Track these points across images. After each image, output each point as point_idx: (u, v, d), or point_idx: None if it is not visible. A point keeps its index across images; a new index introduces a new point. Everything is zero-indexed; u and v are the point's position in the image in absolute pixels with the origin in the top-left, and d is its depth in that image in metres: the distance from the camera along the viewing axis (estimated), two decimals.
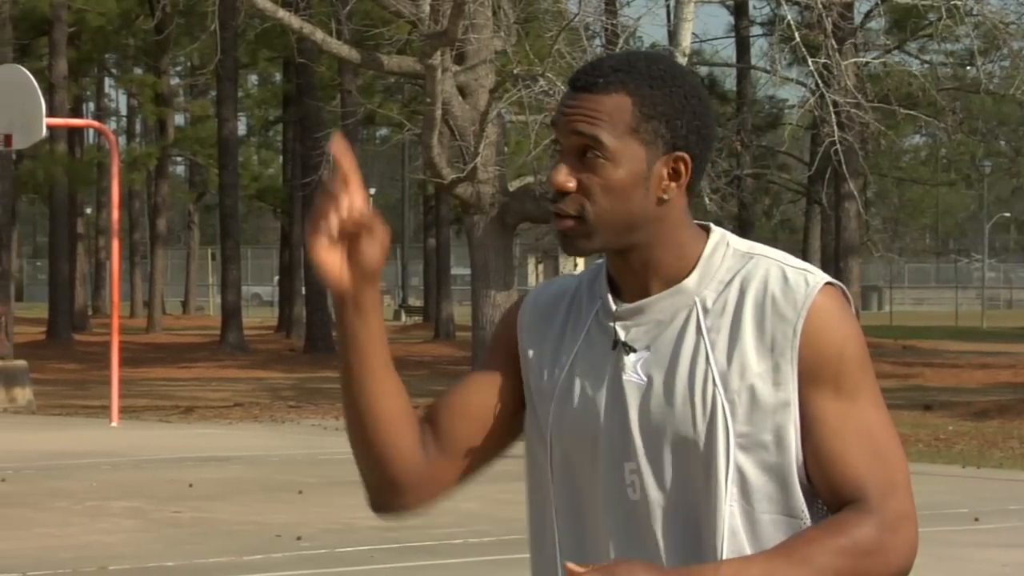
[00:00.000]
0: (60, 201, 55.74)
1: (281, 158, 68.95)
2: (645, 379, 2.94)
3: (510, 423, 3.08)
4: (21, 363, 32.10)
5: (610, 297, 3.00)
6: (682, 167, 2.95)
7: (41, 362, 38.44)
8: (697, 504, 2.91)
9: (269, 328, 62.84)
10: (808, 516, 2.92)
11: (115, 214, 31.97)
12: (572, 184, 2.92)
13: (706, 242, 2.99)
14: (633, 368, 2.95)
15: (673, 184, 2.95)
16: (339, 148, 2.88)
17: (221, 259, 55.77)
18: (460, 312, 59.18)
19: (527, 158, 28.59)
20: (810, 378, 2.89)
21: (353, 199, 2.87)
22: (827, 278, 2.93)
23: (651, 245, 2.96)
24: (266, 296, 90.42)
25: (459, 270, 70.12)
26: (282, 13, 27.83)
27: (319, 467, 20.73)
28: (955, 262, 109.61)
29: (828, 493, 2.92)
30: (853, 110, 28.67)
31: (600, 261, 3.09)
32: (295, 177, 54.32)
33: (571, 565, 2.80)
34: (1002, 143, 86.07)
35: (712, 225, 3.02)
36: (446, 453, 3.06)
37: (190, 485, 18.73)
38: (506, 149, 29.12)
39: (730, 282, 2.94)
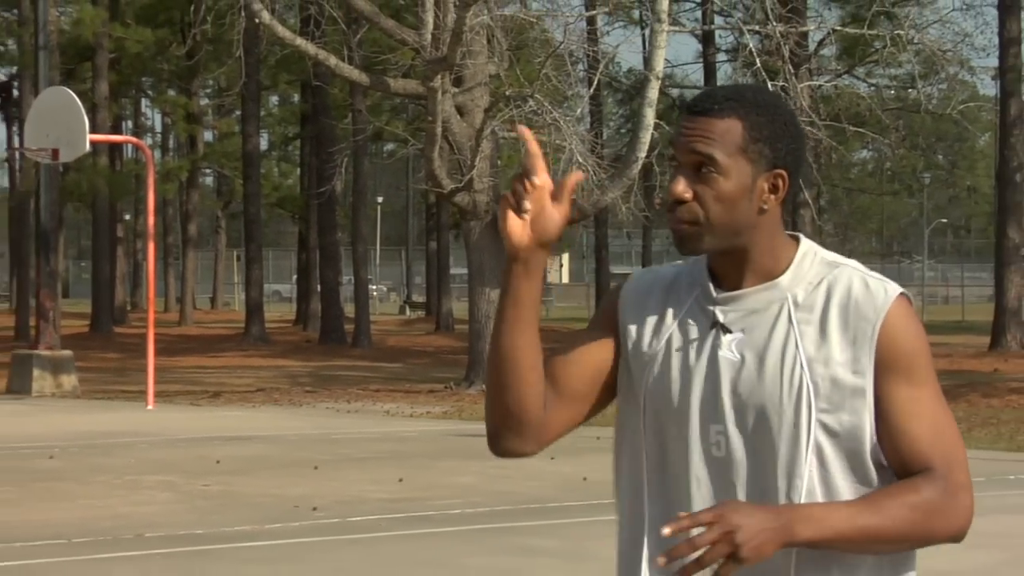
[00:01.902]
0: (102, 208, 55.73)
1: (298, 170, 68.81)
2: (739, 357, 3.07)
3: (613, 381, 3.20)
4: (67, 353, 32.06)
5: (711, 285, 3.13)
6: (780, 183, 3.10)
7: (85, 352, 38.38)
8: (776, 466, 3.03)
9: (288, 322, 62.73)
10: (877, 484, 3.06)
11: (151, 220, 31.93)
12: (689, 194, 3.06)
13: (797, 248, 3.14)
14: (728, 347, 3.08)
15: (772, 197, 3.11)
16: (527, 133, 3.08)
17: (245, 260, 55.71)
18: (458, 307, 59.10)
19: (518, 170, 28.51)
20: (886, 368, 3.04)
21: (541, 175, 3.03)
22: (901, 289, 3.09)
23: (750, 248, 3.11)
24: (285, 293, 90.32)
25: (457, 270, 69.98)
26: (300, 41, 27.82)
27: (333, 445, 20.73)
28: (898, 263, 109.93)
29: (898, 464, 3.06)
30: (808, 127, 28.66)
31: (701, 256, 3.22)
32: (311, 187, 54.20)
33: (682, 515, 2.90)
34: (940, 157, 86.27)
35: (802, 236, 3.17)
36: (562, 401, 3.18)
37: (217, 461, 18.71)
38: (499, 162, 29.10)
39: (819, 284, 3.10)
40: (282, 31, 27.91)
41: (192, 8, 50.89)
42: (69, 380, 31.04)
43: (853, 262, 3.13)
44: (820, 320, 3.05)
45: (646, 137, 26.21)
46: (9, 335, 51.36)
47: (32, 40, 37.73)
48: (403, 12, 33.49)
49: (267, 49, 48.21)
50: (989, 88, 55.97)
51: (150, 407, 27.08)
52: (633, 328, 3.18)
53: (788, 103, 3.05)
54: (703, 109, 3.07)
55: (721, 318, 3.09)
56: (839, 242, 67.22)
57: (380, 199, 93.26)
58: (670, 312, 3.16)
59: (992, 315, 44.72)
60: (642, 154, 26.30)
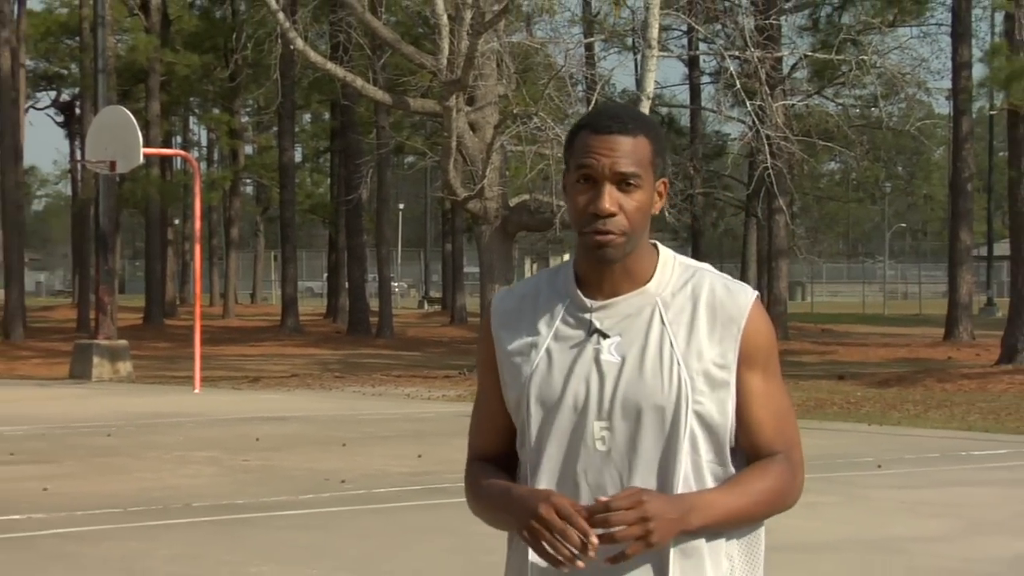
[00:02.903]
0: (154, 214, 55.75)
1: (329, 180, 68.87)
2: (619, 358, 3.02)
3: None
4: (123, 342, 32.07)
5: (580, 294, 3.07)
6: (663, 189, 3.09)
7: (139, 341, 38.41)
8: (657, 455, 2.99)
9: (319, 315, 62.78)
10: (732, 466, 3.06)
11: (197, 224, 31.95)
12: (615, 208, 3.00)
13: (657, 255, 3.09)
14: (608, 350, 3.03)
15: (660, 203, 3.09)
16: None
17: (281, 260, 55.77)
18: (471, 302, 59.21)
19: (524, 180, 28.53)
20: (748, 363, 3.04)
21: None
22: (756, 292, 3.09)
23: (636, 252, 3.06)
24: (317, 289, 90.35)
25: (470, 268, 69.90)
26: (330, 65, 27.81)
27: (359, 425, 20.74)
28: (862, 263, 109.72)
29: (748, 446, 3.07)
30: (782, 142, 28.64)
31: (556, 266, 3.18)
32: (340, 195, 54.22)
33: (601, 498, 2.93)
34: (899, 168, 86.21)
35: (659, 243, 3.13)
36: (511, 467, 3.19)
37: (257, 439, 18.72)
38: (507, 173, 29.07)
39: (683, 287, 3.06)
40: (314, 56, 27.89)
41: (234, 36, 51.11)
42: (125, 367, 31.07)
43: (706, 265, 3.11)
44: (690, 320, 3.02)
45: None
46: (71, 326, 51.44)
47: (92, 64, 37.70)
48: (422, 39, 33.46)
49: (301, 72, 48.22)
50: (943, 107, 56.00)
51: (197, 391, 27.10)
52: (511, 345, 3.11)
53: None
54: (617, 129, 3.01)
55: (598, 324, 3.03)
56: (810, 244, 67.03)
57: (401, 206, 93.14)
58: (543, 323, 3.09)
59: (946, 309, 44.73)
60: None
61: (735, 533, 3.05)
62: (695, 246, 58.25)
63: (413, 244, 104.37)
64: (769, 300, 46.49)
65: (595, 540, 2.88)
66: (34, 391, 27.63)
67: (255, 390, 27.99)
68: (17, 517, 12.55)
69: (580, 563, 2.89)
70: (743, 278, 58.76)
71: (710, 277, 3.06)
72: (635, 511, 2.87)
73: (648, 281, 3.06)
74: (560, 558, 2.90)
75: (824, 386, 28.14)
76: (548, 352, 3.06)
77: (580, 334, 3.04)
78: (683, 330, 3.01)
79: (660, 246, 3.10)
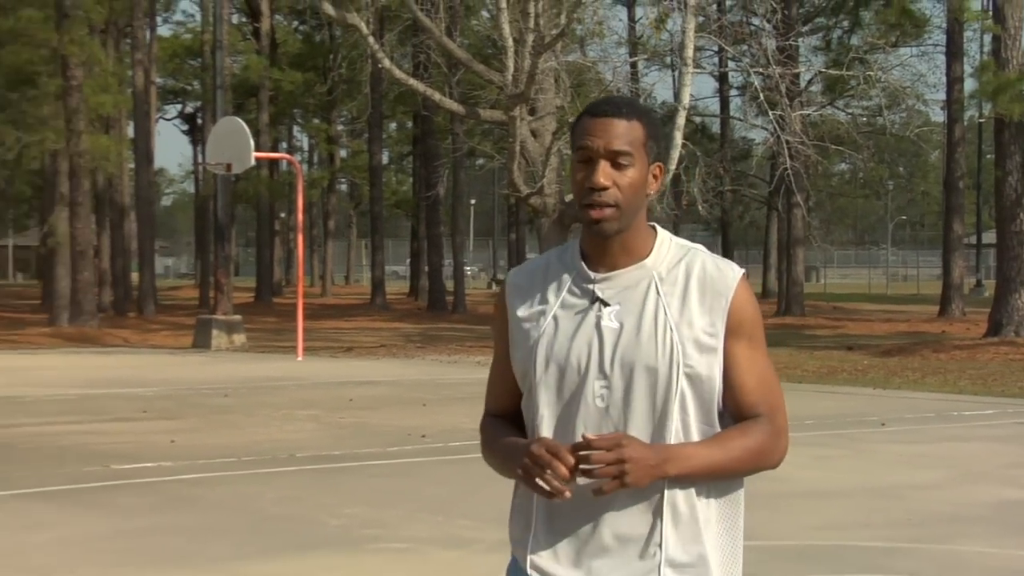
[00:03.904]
0: (263, 208, 56.06)
1: (411, 179, 68.93)
2: (618, 324, 2.96)
3: None
4: (237, 317, 32.28)
5: (585, 267, 3.01)
6: (658, 172, 3.01)
7: (250, 316, 38.64)
8: (650, 411, 2.93)
9: (403, 294, 62.96)
10: (718, 426, 2.98)
11: (300, 217, 32.10)
12: (609, 182, 2.93)
13: (655, 235, 3.03)
14: (609, 317, 2.97)
15: (655, 185, 3.01)
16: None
17: (371, 247, 55.88)
18: None
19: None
20: (731, 333, 2.96)
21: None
22: (743, 270, 3.02)
23: (633, 229, 2.99)
24: (401, 272, 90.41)
25: (531, 255, 69.99)
26: (412, 81, 27.81)
27: (437, 389, 20.79)
28: (868, 250, 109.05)
29: (734, 409, 2.99)
30: (799, 146, 28.49)
31: (565, 244, 3.11)
32: (421, 192, 54.31)
33: (588, 434, 2.87)
34: (900, 169, 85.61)
35: (657, 225, 3.07)
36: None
37: (350, 400, 18.81)
38: (563, 173, 29.01)
39: (678, 263, 2.99)
40: (399, 74, 27.90)
41: (331, 57, 51.25)
42: (239, 338, 31.27)
43: (700, 246, 3.05)
44: (682, 293, 2.95)
45: (676, 154, 26.08)
46: (194, 304, 51.83)
47: (212, 81, 37.88)
48: (491, 59, 33.42)
49: (387, 87, 48.27)
50: (938, 116, 55.41)
51: (299, 358, 27.24)
52: (521, 310, 3.05)
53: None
54: (612, 112, 2.95)
55: (600, 294, 2.97)
56: (823, 233, 66.64)
57: (473, 201, 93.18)
58: (551, 293, 3.03)
59: (940, 290, 44.54)
60: (672, 166, 26.18)
61: (716, 491, 2.97)
62: (724, 235, 58.09)
63: (483, 234, 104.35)
64: (788, 282, 46.37)
65: (570, 462, 2.84)
66: (163, 358, 27.86)
67: (349, 358, 28.11)
68: (149, 465, 12.66)
69: (567, 493, 2.85)
70: (765, 263, 58.58)
71: (702, 256, 3.00)
72: (613, 453, 2.81)
73: (646, 257, 2.99)
74: (548, 488, 2.85)
75: (835, 355, 28.05)
76: (555, 318, 3.00)
77: (584, 303, 2.99)
78: (676, 301, 2.95)
79: (658, 227, 3.04)
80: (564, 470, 2.84)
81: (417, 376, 23.24)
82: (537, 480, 2.87)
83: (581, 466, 2.85)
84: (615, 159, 2.93)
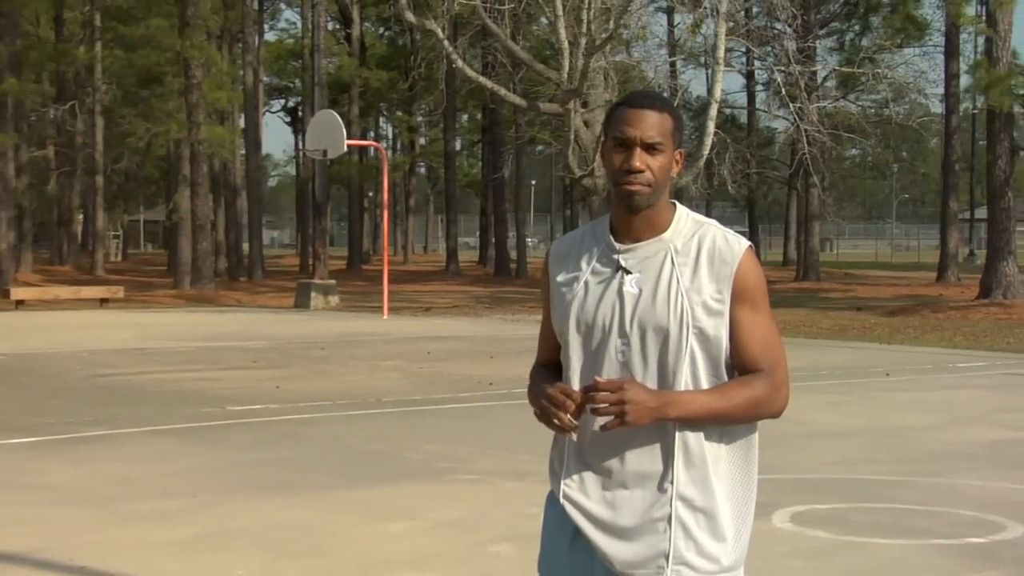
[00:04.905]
0: (354, 188, 56.25)
1: (480, 163, 68.93)
2: (638, 290, 2.96)
3: None
4: (332, 281, 32.46)
5: (612, 239, 3.01)
6: (679, 158, 3.01)
7: (343, 281, 38.84)
8: (662, 368, 2.93)
9: (473, 262, 62.98)
10: (726, 379, 2.96)
11: (385, 196, 32.17)
12: (644, 166, 2.94)
13: (675, 211, 3.02)
14: (630, 283, 2.96)
15: (677, 168, 3.00)
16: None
17: (445, 221, 55.96)
18: None
19: None
20: (736, 298, 2.94)
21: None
22: (749, 242, 2.99)
23: (658, 207, 2.98)
24: (472, 243, 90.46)
25: None
26: (481, 78, 27.78)
27: (503, 343, 20.83)
28: (875, 224, 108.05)
29: (739, 365, 2.97)
30: (816, 134, 28.25)
31: (598, 219, 3.10)
32: (488, 174, 54.30)
33: (597, 378, 2.90)
34: (904, 154, 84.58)
35: (677, 202, 3.05)
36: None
37: (428, 352, 18.87)
38: None
39: (692, 237, 2.98)
40: (470, 72, 27.84)
41: (412, 57, 51.14)
42: (333, 299, 31.45)
43: (713, 221, 3.02)
44: (694, 263, 2.94)
45: (708, 141, 25.92)
46: (295, 270, 52.13)
47: (310, 80, 38.00)
48: (549, 59, 33.27)
49: (460, 84, 48.20)
50: (937, 108, 54.67)
51: (385, 317, 27.36)
52: (560, 276, 3.06)
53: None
54: (647, 105, 2.96)
55: (623, 263, 2.97)
56: (836, 210, 66.01)
57: (533, 182, 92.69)
58: (584, 261, 3.03)
59: (938, 259, 44.21)
60: (706, 151, 26.02)
61: (727, 436, 2.95)
62: (750, 212, 57.70)
63: (542, 210, 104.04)
64: (805, 251, 46.07)
65: (577, 401, 2.87)
66: (269, 316, 28.05)
67: (427, 317, 28.21)
68: (258, 407, 12.76)
69: (574, 432, 2.91)
70: (786, 236, 58.15)
71: (714, 230, 2.97)
72: (616, 395, 2.82)
73: (665, 231, 2.98)
74: (559, 423, 2.88)
75: (846, 315, 27.85)
76: (586, 284, 3.01)
77: (610, 271, 2.99)
78: (688, 270, 2.93)
79: (678, 204, 3.03)
80: (572, 406, 2.86)
81: (485, 332, 23.29)
82: (551, 418, 2.90)
83: (588, 406, 2.86)
84: (649, 146, 2.94)
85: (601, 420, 2.88)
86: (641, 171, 2.93)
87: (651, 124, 2.94)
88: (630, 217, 2.98)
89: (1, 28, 37.33)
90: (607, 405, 2.83)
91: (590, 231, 3.08)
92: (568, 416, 2.88)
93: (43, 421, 11.75)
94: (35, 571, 6.46)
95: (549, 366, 3.16)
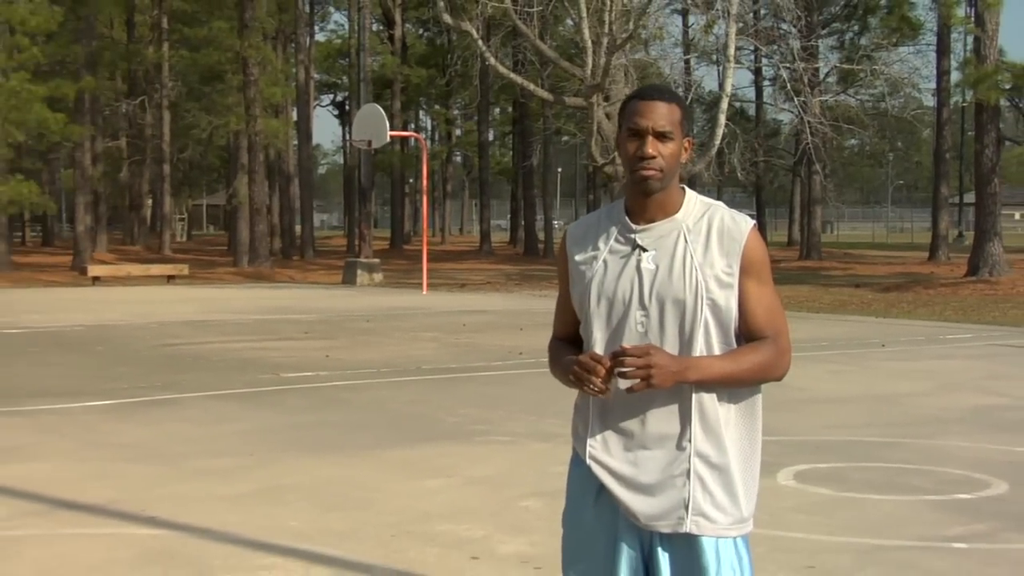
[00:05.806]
0: (396, 175, 56.22)
1: (511, 152, 68.81)
2: (655, 266, 2.95)
3: None
4: (376, 260, 32.50)
5: (628, 220, 3.00)
6: (687, 145, 2.99)
7: (386, 259, 38.92)
8: (680, 337, 2.92)
9: (504, 242, 62.94)
10: (735, 345, 2.96)
11: (424, 182, 32.17)
12: (656, 153, 2.93)
13: (685, 194, 3.01)
14: (647, 260, 2.95)
15: (685, 155, 2.99)
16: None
17: (480, 206, 55.97)
18: None
19: None
20: (744, 272, 2.93)
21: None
22: (754, 221, 2.98)
23: (669, 190, 2.98)
24: (504, 225, 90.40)
25: None
26: (512, 75, 27.74)
27: (531, 316, 20.83)
28: (873, 207, 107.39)
29: (746, 333, 2.96)
30: (818, 126, 28.09)
31: (612, 203, 3.10)
32: (518, 163, 54.16)
33: (624, 344, 2.89)
34: (899, 144, 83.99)
35: (686, 187, 3.04)
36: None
37: (464, 324, 18.89)
38: None
39: (702, 217, 2.97)
40: (502, 69, 27.78)
41: (449, 56, 51.06)
42: (377, 276, 31.50)
43: (719, 202, 3.01)
44: (705, 240, 2.93)
45: (720, 132, 25.82)
46: (343, 250, 52.21)
47: (356, 77, 38.00)
48: (574, 57, 33.15)
49: (493, 80, 48.10)
50: (930, 101, 54.20)
51: (424, 292, 27.40)
52: (579, 256, 3.04)
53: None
54: (658, 97, 2.95)
55: (640, 242, 2.96)
56: (837, 195, 65.53)
57: (560, 169, 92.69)
58: (601, 241, 3.01)
59: (930, 240, 43.98)
60: (717, 141, 25.92)
61: (736, 397, 2.95)
62: (758, 196, 57.38)
63: (567, 195, 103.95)
64: (808, 233, 45.89)
65: (607, 365, 2.85)
66: (319, 292, 28.14)
67: (462, 292, 28.23)
68: (309, 374, 12.80)
69: (608, 392, 2.88)
70: (790, 218, 57.84)
71: (721, 210, 2.97)
72: (643, 359, 2.82)
73: (677, 212, 2.98)
74: (592, 388, 2.88)
75: (845, 291, 27.72)
76: (605, 262, 2.99)
77: (627, 249, 2.98)
78: (700, 247, 2.93)
79: (687, 188, 3.02)
80: (603, 371, 2.86)
81: (515, 306, 23.30)
82: (583, 383, 2.89)
83: (617, 370, 2.86)
84: (660, 135, 2.93)
85: (628, 383, 2.88)
86: (653, 157, 2.92)
87: (661, 115, 2.93)
88: (645, 200, 2.97)
89: (79, 31, 37.50)
90: (635, 369, 2.83)
91: (605, 214, 3.07)
92: (599, 380, 2.88)
93: (117, 386, 11.83)
94: (112, 520, 6.51)
95: (565, 340, 3.15)
